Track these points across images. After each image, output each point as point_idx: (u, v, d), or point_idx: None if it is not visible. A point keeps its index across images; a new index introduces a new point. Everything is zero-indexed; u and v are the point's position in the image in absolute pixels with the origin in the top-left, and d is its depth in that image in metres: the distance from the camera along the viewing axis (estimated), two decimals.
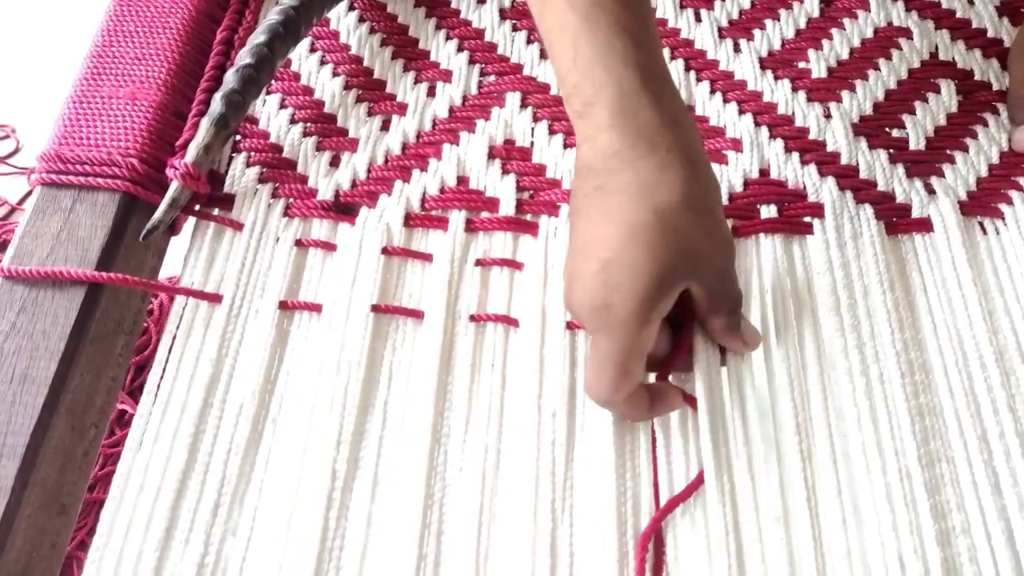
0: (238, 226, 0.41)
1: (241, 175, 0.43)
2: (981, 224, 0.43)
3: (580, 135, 0.34)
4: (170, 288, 0.38)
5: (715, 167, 0.41)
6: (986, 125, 0.47)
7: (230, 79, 0.42)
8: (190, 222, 0.42)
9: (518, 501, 0.35)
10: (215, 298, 0.39)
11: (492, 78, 0.48)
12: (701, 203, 0.33)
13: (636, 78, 0.32)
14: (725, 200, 0.43)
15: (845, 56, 0.50)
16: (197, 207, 0.42)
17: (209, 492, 0.34)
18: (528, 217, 0.43)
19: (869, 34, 0.51)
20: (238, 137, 0.45)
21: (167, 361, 0.37)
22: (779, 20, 0.51)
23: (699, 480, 0.34)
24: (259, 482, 0.35)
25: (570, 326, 0.39)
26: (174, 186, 0.40)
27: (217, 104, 0.41)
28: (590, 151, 0.33)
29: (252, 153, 0.44)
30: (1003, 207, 0.43)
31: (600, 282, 0.32)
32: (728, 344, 0.36)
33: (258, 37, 0.43)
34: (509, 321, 0.39)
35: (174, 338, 0.38)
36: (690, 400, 0.36)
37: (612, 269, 0.32)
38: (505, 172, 0.44)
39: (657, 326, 0.33)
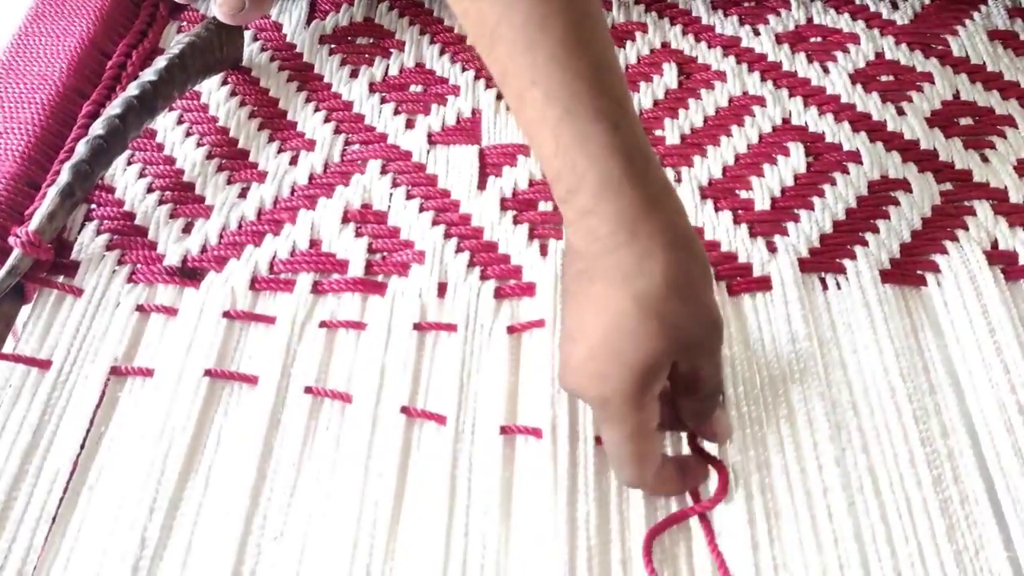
0: (78, 292, 0.41)
1: (90, 243, 0.43)
2: (822, 279, 0.44)
3: (565, 219, 0.34)
4: None
5: None
6: (834, 184, 0.48)
7: (80, 150, 0.43)
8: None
9: (336, 569, 0.34)
10: (44, 364, 0.38)
11: (356, 147, 0.50)
12: (685, 288, 0.33)
13: (616, 164, 0.32)
14: None
15: (699, 124, 0.52)
16: (44, 274, 0.42)
17: (12, 563, 0.33)
18: (379, 278, 0.44)
19: (724, 103, 0.53)
20: (93, 206, 0.45)
21: None
22: (638, 91, 0.53)
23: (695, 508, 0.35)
24: (67, 552, 0.34)
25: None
26: (14, 254, 0.40)
27: (65, 174, 0.42)
28: (575, 235, 0.34)
29: (104, 221, 0.44)
30: (846, 261, 0.45)
31: (590, 372, 0.33)
32: (697, 430, 0.37)
33: (113, 109, 0.44)
34: (342, 397, 0.39)
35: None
36: (719, 466, 0.36)
37: (600, 359, 0.33)
38: (358, 235, 0.45)
39: (655, 406, 0.34)
